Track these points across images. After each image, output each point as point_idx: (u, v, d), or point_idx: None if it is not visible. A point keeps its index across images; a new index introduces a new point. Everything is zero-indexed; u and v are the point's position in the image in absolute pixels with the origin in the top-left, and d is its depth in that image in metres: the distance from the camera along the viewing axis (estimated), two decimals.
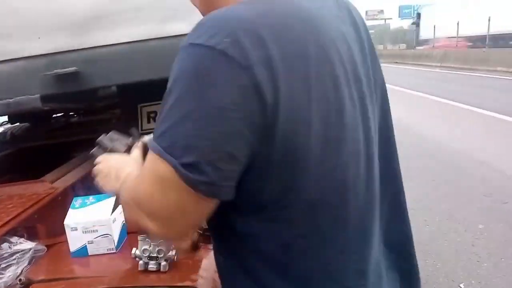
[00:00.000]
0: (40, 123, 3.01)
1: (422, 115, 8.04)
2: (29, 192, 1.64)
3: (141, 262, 1.13)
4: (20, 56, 1.54)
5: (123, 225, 1.28)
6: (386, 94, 0.77)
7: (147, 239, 1.12)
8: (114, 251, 1.23)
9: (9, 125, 3.13)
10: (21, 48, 1.53)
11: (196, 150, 0.54)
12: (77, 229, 1.20)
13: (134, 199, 0.64)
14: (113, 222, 1.22)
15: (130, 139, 0.99)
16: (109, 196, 1.23)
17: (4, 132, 3.07)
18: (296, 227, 0.62)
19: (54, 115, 3.20)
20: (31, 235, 1.33)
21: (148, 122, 2.23)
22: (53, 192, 1.63)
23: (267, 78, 0.53)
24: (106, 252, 1.23)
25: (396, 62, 22.13)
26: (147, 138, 0.87)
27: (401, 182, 0.80)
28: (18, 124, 3.09)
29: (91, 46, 1.53)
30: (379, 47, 38.58)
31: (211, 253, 0.84)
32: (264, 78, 0.53)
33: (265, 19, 0.56)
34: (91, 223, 1.21)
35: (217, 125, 0.54)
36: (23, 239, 1.26)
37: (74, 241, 1.21)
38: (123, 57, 1.53)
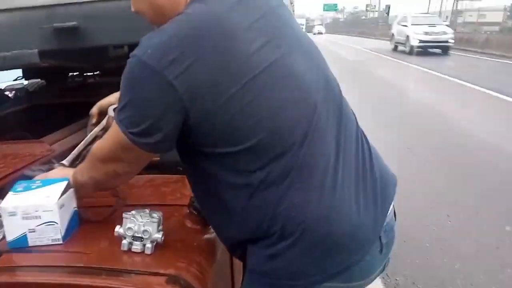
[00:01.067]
0: (54, 81, 2.92)
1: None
2: (25, 152, 1.56)
3: (124, 241, 1.01)
4: (18, 6, 1.42)
5: (75, 213, 1.10)
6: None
7: (132, 218, 1.01)
8: (61, 242, 1.03)
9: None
10: None
11: (136, 124, 0.84)
12: (15, 214, 1.00)
13: (102, 151, 0.97)
14: (61, 207, 1.02)
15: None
16: (60, 181, 1.07)
17: (18, 88, 3.03)
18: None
19: (70, 74, 3.11)
20: None
21: None
22: (48, 155, 1.53)
23: (176, 75, 0.79)
24: (50, 243, 1.02)
25: None
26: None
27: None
28: (33, 80, 3.03)
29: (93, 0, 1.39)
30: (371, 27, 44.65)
31: None
32: (174, 75, 0.79)
33: (184, 37, 0.82)
34: (33, 207, 1.00)
35: (144, 109, 0.83)
36: None
37: (12, 228, 1.00)
38: (127, 13, 1.37)
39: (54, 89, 2.95)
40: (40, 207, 1.01)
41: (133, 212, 1.03)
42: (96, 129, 1.39)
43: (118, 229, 1.01)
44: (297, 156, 0.85)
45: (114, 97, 1.38)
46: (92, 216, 1.16)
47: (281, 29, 0.93)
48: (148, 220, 1.01)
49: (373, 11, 59.43)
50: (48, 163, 1.31)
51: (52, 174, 1.15)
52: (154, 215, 1.03)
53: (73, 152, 1.34)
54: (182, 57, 0.78)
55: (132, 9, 0.99)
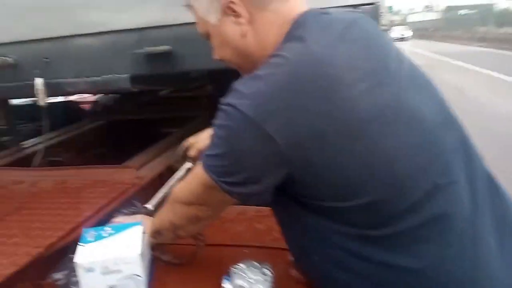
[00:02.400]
0: (129, 96, 2.94)
1: None
2: (113, 179, 1.51)
3: None
4: (109, 29, 1.36)
5: (151, 260, 1.02)
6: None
7: (242, 273, 0.90)
8: None
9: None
10: (110, 20, 1.34)
11: (229, 174, 0.78)
12: (93, 270, 0.90)
13: (185, 194, 0.93)
14: (142, 257, 0.93)
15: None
16: (132, 225, 1.00)
17: (97, 102, 3.09)
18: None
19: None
20: None
21: None
22: (138, 183, 1.47)
23: (277, 128, 0.72)
24: None
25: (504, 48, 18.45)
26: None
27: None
28: (109, 95, 3.06)
29: (186, 21, 1.29)
30: (481, 29, 30.85)
31: None
32: (275, 128, 0.71)
33: (284, 86, 0.73)
34: (113, 260, 0.90)
35: (240, 162, 0.77)
36: None
37: (91, 286, 0.91)
38: None
39: (130, 104, 2.98)
40: (120, 260, 0.91)
41: (242, 265, 0.93)
42: (181, 173, 1.32)
43: (227, 285, 0.90)
44: (428, 208, 0.74)
45: (204, 136, 1.31)
46: (169, 257, 1.07)
47: (387, 62, 0.82)
48: (261, 278, 0.91)
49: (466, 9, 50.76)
50: (132, 206, 1.23)
51: (131, 220, 1.10)
52: (266, 272, 0.93)
53: (157, 195, 1.26)
54: (282, 108, 0.71)
55: (216, 57, 0.92)
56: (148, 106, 3.02)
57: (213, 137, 0.79)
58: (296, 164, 0.74)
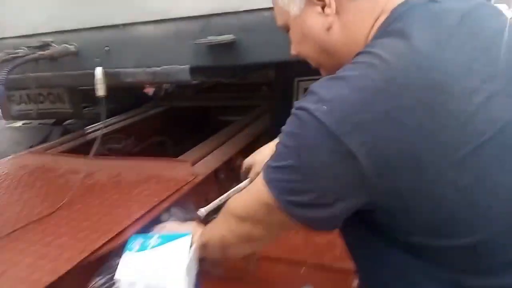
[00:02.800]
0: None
1: None
2: (167, 174, 1.44)
3: None
4: (170, 17, 1.26)
5: (197, 275, 0.92)
6: None
7: None
8: None
9: None
10: (171, 7, 1.24)
11: (295, 193, 0.66)
12: (135, 285, 0.84)
13: (241, 208, 0.82)
14: (188, 274, 0.85)
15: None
16: (181, 236, 0.91)
17: (159, 88, 3.09)
18: None
19: None
20: None
21: None
22: (192, 181, 1.38)
23: (361, 144, 0.57)
24: None
25: None
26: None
27: None
28: None
29: (252, 8, 1.16)
30: None
31: None
32: (358, 144, 0.57)
33: (375, 93, 0.58)
34: (157, 277, 0.83)
35: (310, 179, 0.63)
36: None
37: None
38: None
39: (190, 91, 2.94)
40: (164, 277, 0.83)
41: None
42: (242, 185, 1.18)
43: None
44: None
45: (266, 153, 1.14)
46: (219, 271, 0.99)
47: None
48: None
49: None
50: (185, 207, 1.16)
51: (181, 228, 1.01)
52: None
53: (213, 202, 1.17)
54: (370, 120, 0.58)
55: (293, 52, 0.82)
56: (207, 93, 2.97)
57: (280, 145, 0.67)
58: (380, 190, 0.61)
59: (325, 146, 0.59)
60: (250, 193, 0.80)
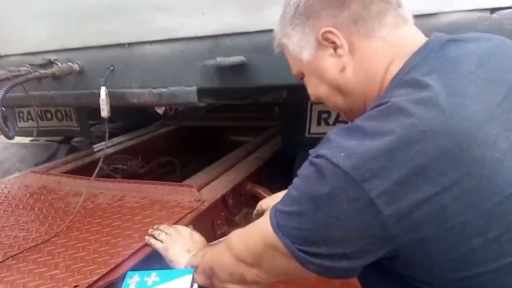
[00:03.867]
0: None
1: None
2: (172, 200, 1.37)
3: None
4: (178, 36, 1.20)
5: None
6: None
7: None
8: None
9: None
10: (180, 26, 1.18)
11: (310, 243, 0.61)
12: None
13: (240, 246, 0.78)
14: None
15: None
16: (182, 273, 0.88)
17: (168, 108, 3.05)
18: None
19: None
20: None
21: (318, 124, 1.77)
22: (197, 208, 1.30)
23: (381, 191, 0.55)
24: None
25: None
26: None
27: None
28: None
29: (264, 29, 1.09)
30: None
31: None
32: (378, 192, 0.55)
33: (397, 144, 0.56)
34: None
35: (325, 228, 0.59)
36: None
37: None
38: None
39: (200, 109, 2.89)
40: None
41: None
42: None
43: None
44: None
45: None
46: None
47: None
48: None
49: None
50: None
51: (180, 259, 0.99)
52: None
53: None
54: (391, 168, 0.55)
55: (312, 98, 0.80)
56: (218, 112, 2.92)
57: (293, 189, 0.64)
58: (403, 241, 0.57)
59: (344, 193, 0.56)
60: (253, 232, 0.76)
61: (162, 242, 1.04)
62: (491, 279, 0.58)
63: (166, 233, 1.06)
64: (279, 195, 1.11)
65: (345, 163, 0.56)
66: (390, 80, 0.66)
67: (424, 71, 0.61)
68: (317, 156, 0.60)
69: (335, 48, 0.70)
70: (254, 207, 1.59)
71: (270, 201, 1.16)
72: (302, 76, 0.80)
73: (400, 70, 0.65)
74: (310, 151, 0.63)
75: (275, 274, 0.75)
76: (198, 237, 1.06)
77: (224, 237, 0.90)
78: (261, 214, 1.15)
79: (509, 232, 0.56)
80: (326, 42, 0.70)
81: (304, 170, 0.63)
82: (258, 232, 0.73)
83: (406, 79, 0.63)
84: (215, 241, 1.08)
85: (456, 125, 0.55)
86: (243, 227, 1.46)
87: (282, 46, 0.79)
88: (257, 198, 1.59)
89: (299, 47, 0.74)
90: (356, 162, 0.56)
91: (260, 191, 1.58)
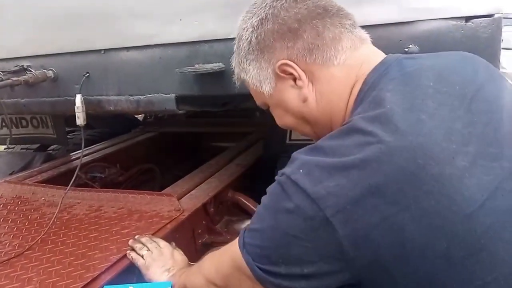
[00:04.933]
0: None
1: None
2: (150, 209, 1.34)
3: None
4: (155, 42, 1.18)
5: None
6: None
7: None
8: None
9: None
10: (158, 32, 1.16)
11: (269, 261, 0.61)
12: None
13: (211, 269, 0.79)
14: None
15: None
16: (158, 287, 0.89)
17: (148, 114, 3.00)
18: None
19: None
20: None
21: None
22: (177, 217, 1.28)
23: (337, 210, 0.54)
24: None
25: None
26: None
27: None
28: None
29: None
30: None
31: None
32: (334, 210, 0.54)
33: (352, 164, 0.55)
34: None
35: (282, 246, 0.59)
36: None
37: None
38: None
39: (181, 116, 2.85)
40: None
41: None
42: None
43: None
44: None
45: None
46: None
47: (497, 124, 0.59)
48: None
49: None
50: None
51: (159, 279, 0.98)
52: None
53: None
54: (347, 186, 0.55)
55: (280, 125, 0.81)
56: (198, 118, 2.89)
57: (259, 207, 0.65)
58: (362, 264, 0.56)
59: (301, 211, 0.56)
60: (223, 254, 0.77)
61: (143, 258, 1.01)
62: None
63: (148, 249, 1.03)
64: None
65: (303, 181, 0.56)
66: (353, 102, 0.66)
67: (382, 85, 0.62)
68: (281, 175, 0.61)
69: (294, 80, 0.70)
70: (235, 214, 1.59)
71: None
72: (267, 107, 0.79)
73: (360, 90, 0.65)
74: (278, 171, 0.62)
75: None
76: (179, 256, 1.04)
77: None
78: None
79: (474, 255, 0.54)
80: (284, 74, 0.70)
81: (270, 188, 0.63)
82: (228, 254, 0.73)
83: (365, 97, 0.63)
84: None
85: (412, 142, 0.54)
86: (225, 235, 1.45)
87: (241, 79, 0.79)
88: (239, 206, 1.58)
89: (259, 81, 0.73)
90: (313, 180, 0.56)
91: (242, 198, 1.56)
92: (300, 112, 0.72)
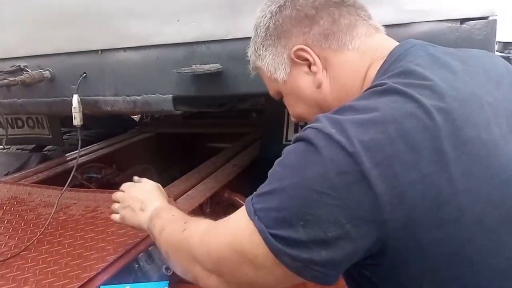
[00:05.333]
0: None
1: None
2: None
3: None
4: (154, 43, 1.18)
5: None
6: None
7: None
8: None
9: None
10: (155, 33, 1.16)
11: (288, 225, 0.53)
12: None
13: (198, 251, 0.67)
14: None
15: None
16: (155, 287, 0.88)
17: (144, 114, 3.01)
18: None
19: None
20: None
21: (296, 131, 1.77)
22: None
23: (374, 164, 0.50)
24: None
25: None
26: None
27: None
28: None
29: (240, 36, 1.09)
30: None
31: None
32: (371, 165, 0.50)
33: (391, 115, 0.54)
34: None
35: (309, 205, 0.52)
36: None
37: None
38: None
39: (177, 116, 2.86)
40: None
41: None
42: None
43: None
44: None
45: None
46: None
47: None
48: None
49: None
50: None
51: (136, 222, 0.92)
52: None
53: None
54: (383, 140, 0.52)
55: (293, 119, 0.80)
56: (195, 119, 2.89)
57: (274, 168, 0.58)
58: (394, 228, 0.51)
59: (334, 165, 0.51)
60: (222, 230, 0.65)
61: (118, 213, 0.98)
62: (490, 278, 0.54)
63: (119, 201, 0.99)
64: None
65: (337, 134, 0.53)
66: (374, 76, 0.65)
67: (409, 58, 0.61)
68: (306, 130, 0.56)
69: (309, 66, 0.70)
70: None
71: None
72: (280, 96, 0.79)
73: (384, 61, 0.65)
74: (301, 129, 0.59)
75: (237, 284, 0.66)
76: (145, 185, 0.99)
77: (187, 223, 0.77)
78: None
79: (507, 222, 0.53)
80: (299, 60, 0.70)
81: (290, 147, 0.58)
82: (225, 231, 0.64)
83: (392, 68, 0.62)
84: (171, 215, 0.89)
85: (450, 105, 0.54)
86: None
87: (256, 68, 0.79)
88: (235, 206, 1.58)
89: (274, 67, 0.74)
90: (348, 134, 0.52)
91: (238, 199, 1.56)
92: (313, 99, 0.72)
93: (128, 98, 1.27)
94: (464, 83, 0.58)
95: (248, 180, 1.79)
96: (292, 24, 0.70)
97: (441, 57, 0.62)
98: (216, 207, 1.57)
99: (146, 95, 1.24)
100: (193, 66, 1.13)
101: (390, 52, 0.65)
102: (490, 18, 0.89)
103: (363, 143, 0.52)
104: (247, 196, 1.60)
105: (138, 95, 1.25)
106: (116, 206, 1.00)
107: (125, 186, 1.02)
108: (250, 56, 0.80)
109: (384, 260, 0.55)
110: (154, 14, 1.16)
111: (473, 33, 0.90)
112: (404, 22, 0.95)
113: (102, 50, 1.24)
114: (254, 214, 0.57)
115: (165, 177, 2.28)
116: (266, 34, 0.73)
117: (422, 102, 0.53)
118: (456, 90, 0.56)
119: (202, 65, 1.13)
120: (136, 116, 3.14)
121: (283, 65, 0.72)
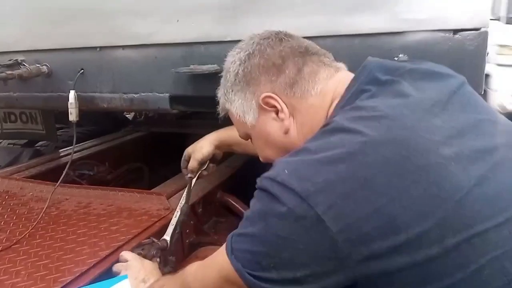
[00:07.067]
0: None
1: None
2: (139, 207, 1.34)
3: None
4: (151, 42, 1.19)
5: None
6: None
7: None
8: None
9: None
10: (154, 32, 1.18)
11: (260, 267, 0.59)
12: None
13: (194, 282, 0.76)
14: None
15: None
16: (116, 281, 0.90)
17: (138, 113, 3.00)
18: None
19: None
20: None
21: None
22: (166, 216, 1.29)
23: (328, 206, 0.54)
24: None
25: None
26: None
27: None
28: None
29: (239, 39, 1.10)
30: None
31: None
32: (324, 207, 0.54)
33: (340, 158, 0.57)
34: None
35: (278, 251, 0.58)
36: None
37: None
38: None
39: (171, 116, 2.86)
40: None
41: None
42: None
43: None
44: None
45: (202, 144, 1.21)
46: None
47: (473, 120, 0.64)
48: None
49: None
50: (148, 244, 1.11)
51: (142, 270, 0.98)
52: None
53: (169, 227, 1.18)
54: (335, 180, 0.55)
55: (262, 159, 0.83)
56: (189, 119, 2.89)
57: (247, 211, 0.64)
58: (357, 260, 0.54)
59: (292, 211, 0.55)
60: (209, 266, 0.74)
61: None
62: None
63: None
64: (198, 143, 1.22)
65: (290, 180, 0.56)
66: (332, 112, 0.69)
67: (361, 90, 0.65)
68: (263, 179, 0.60)
69: (276, 112, 0.73)
70: (223, 216, 1.60)
71: (193, 146, 1.23)
72: (249, 137, 0.82)
73: (337, 103, 0.68)
74: (257, 179, 0.62)
75: None
76: (149, 264, 1.02)
77: (181, 271, 0.86)
78: (188, 159, 1.20)
79: (467, 239, 0.54)
80: (267, 106, 0.73)
81: (255, 194, 0.62)
82: (214, 265, 0.71)
83: (345, 105, 0.66)
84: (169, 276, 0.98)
85: (395, 135, 0.56)
86: (212, 236, 1.46)
87: (225, 110, 0.82)
88: (227, 207, 1.59)
89: (242, 111, 0.77)
90: (300, 178, 0.56)
91: (231, 200, 1.58)
92: (281, 144, 0.75)
93: (125, 95, 1.28)
94: (414, 108, 0.60)
95: (241, 181, 1.80)
96: (261, 72, 0.73)
97: (394, 82, 0.65)
98: (208, 207, 1.58)
99: (143, 93, 1.26)
100: (191, 66, 1.15)
101: (347, 87, 0.68)
102: (482, 29, 0.91)
103: (316, 186, 0.55)
104: (239, 197, 1.62)
105: (135, 93, 1.26)
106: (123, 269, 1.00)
107: (129, 256, 1.05)
108: (220, 98, 0.83)
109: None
110: (154, 14, 1.17)
111: (465, 44, 0.93)
112: (399, 31, 0.98)
113: (101, 47, 1.25)
114: (231, 253, 0.63)
115: (157, 176, 2.28)
116: (236, 79, 0.76)
117: (370, 137, 0.56)
118: (405, 118, 0.59)
119: (201, 66, 1.14)
120: (129, 115, 3.13)
121: (251, 110, 0.76)
